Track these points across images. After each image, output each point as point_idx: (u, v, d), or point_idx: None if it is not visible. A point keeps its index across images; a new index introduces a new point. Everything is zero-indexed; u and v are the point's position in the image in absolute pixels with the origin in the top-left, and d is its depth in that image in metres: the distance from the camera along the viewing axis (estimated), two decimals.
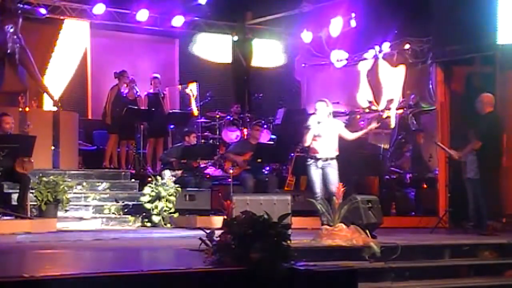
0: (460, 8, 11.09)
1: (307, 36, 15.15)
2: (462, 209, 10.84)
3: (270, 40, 16.40)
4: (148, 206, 10.39)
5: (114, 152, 12.84)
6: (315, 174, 8.61)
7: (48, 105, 12.89)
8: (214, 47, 15.95)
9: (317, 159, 8.60)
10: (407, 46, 14.82)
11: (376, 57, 15.54)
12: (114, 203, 10.93)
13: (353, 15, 14.18)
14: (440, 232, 9.77)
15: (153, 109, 13.01)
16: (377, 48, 15.10)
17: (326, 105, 8.79)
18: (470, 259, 7.76)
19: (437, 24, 11.64)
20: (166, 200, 10.38)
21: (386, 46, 15.00)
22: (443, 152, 10.97)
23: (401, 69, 15.20)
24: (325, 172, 8.58)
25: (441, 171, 11.31)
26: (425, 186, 12.58)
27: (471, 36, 10.90)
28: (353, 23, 14.27)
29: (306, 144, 8.78)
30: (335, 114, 15.22)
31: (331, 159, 8.61)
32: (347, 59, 16.07)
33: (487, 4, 10.88)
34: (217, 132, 13.91)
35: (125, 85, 12.94)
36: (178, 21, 14.51)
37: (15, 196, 9.57)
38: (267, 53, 16.52)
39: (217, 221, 8.67)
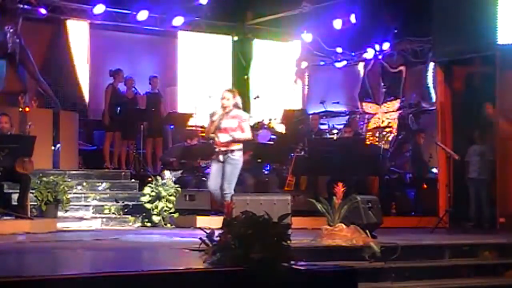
0: (460, 8, 11.10)
1: (307, 36, 15.16)
2: (462, 209, 10.85)
3: (270, 41, 16.40)
4: (148, 206, 10.39)
5: (115, 152, 12.82)
6: (214, 167, 8.53)
7: (48, 105, 12.88)
8: (214, 47, 15.95)
9: (218, 152, 8.48)
10: (407, 46, 14.84)
11: (376, 58, 15.55)
12: (114, 203, 10.92)
13: (352, 15, 14.18)
14: (440, 232, 9.77)
15: (153, 108, 13.01)
16: (377, 46, 15.09)
17: (233, 96, 8.58)
18: (470, 259, 7.75)
19: (437, 24, 11.64)
20: (166, 200, 10.37)
21: (386, 46, 15.01)
22: (443, 152, 10.98)
23: (401, 70, 15.21)
24: (223, 167, 8.43)
25: (441, 171, 11.32)
26: (425, 186, 12.58)
27: (471, 36, 10.90)
28: (352, 19, 14.20)
29: (210, 135, 8.66)
30: (335, 114, 15.40)
31: (232, 152, 8.44)
32: (347, 59, 16.09)
33: (487, 4, 10.89)
34: None
35: (122, 83, 12.94)
36: (178, 21, 14.52)
37: (15, 196, 9.56)
38: (267, 53, 16.52)
39: (217, 221, 8.66)
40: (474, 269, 7.55)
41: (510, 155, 10.70)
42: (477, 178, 10.90)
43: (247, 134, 8.57)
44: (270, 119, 14.53)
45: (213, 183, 8.51)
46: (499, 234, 9.30)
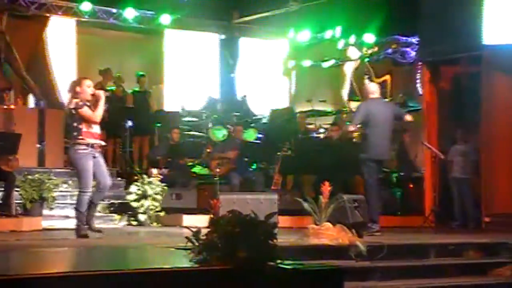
0: (447, 9, 11.15)
1: (303, 35, 15.16)
2: (448, 208, 10.90)
3: (256, 39, 16.39)
4: (134, 204, 10.35)
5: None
6: (90, 164, 7.63)
7: (33, 102, 12.81)
8: (201, 46, 15.92)
9: (92, 146, 7.67)
10: (394, 46, 14.86)
11: (361, 57, 15.57)
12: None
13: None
14: (426, 232, 9.81)
15: (139, 107, 12.96)
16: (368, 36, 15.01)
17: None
18: (455, 258, 7.79)
19: (424, 24, 11.69)
20: (153, 199, 10.33)
21: (371, 38, 14.89)
22: (429, 152, 11.02)
23: (386, 79, 15.23)
24: (97, 162, 7.69)
25: (427, 171, 11.36)
26: (411, 185, 12.61)
27: (457, 36, 10.95)
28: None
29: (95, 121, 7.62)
30: (322, 113, 15.40)
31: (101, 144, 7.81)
32: (334, 59, 16.10)
33: (474, 4, 10.94)
34: (204, 131, 13.88)
35: (111, 82, 12.87)
36: (165, 19, 14.48)
37: None
38: (254, 52, 16.51)
39: (204, 220, 8.64)
40: (460, 268, 7.58)
41: (494, 155, 10.76)
42: (459, 177, 10.96)
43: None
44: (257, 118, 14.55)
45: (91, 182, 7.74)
46: (484, 234, 9.34)
